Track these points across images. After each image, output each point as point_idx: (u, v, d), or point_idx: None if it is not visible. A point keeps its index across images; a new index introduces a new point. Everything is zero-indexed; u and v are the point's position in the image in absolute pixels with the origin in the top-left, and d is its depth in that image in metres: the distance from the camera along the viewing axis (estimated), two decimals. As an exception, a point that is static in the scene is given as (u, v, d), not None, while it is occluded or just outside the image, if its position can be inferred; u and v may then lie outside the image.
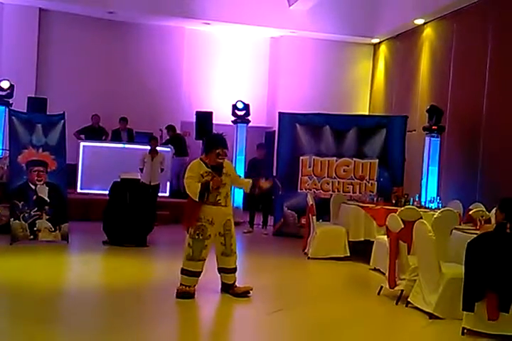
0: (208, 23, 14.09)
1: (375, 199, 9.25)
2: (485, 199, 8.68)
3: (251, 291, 6.11)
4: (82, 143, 12.26)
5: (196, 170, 5.94)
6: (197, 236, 5.92)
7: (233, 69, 14.97)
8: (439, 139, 10.75)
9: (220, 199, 5.98)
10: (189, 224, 5.94)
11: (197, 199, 5.86)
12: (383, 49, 14.54)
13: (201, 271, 5.99)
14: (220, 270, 6.15)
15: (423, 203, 8.96)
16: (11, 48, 13.16)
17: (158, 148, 11.16)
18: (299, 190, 10.55)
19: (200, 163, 5.99)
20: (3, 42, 13.21)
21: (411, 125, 11.26)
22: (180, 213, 11.28)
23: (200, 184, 5.84)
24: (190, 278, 5.95)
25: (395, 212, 6.69)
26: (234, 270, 6.15)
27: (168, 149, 12.41)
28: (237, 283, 6.17)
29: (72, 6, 13.16)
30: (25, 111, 10.81)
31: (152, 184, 10.66)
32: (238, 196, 11.81)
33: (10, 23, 13.21)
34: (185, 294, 5.90)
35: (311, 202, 8.78)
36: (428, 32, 12.37)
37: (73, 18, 13.61)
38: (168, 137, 13.27)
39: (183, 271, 5.98)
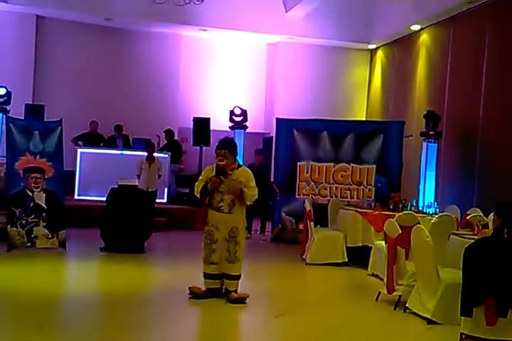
0: (205, 30, 14.12)
1: (372, 204, 9.25)
2: (482, 204, 8.69)
3: (247, 298, 6.09)
4: (79, 150, 12.25)
5: (206, 173, 6.16)
6: (206, 241, 6.13)
7: (230, 75, 15.00)
8: (436, 144, 10.76)
9: (222, 206, 6.01)
10: (197, 226, 6.21)
11: (198, 197, 6.09)
12: (380, 55, 14.58)
13: (215, 274, 6.09)
14: (223, 275, 6.16)
15: (421, 208, 8.96)
16: (8, 55, 13.15)
17: (155, 154, 11.15)
18: (296, 196, 10.55)
19: (212, 168, 6.17)
20: (0, 49, 13.21)
21: (408, 130, 11.28)
22: (178, 219, 11.43)
23: (202, 184, 6.08)
24: (205, 279, 6.15)
25: (393, 218, 6.70)
26: (237, 277, 6.15)
27: (166, 155, 12.41)
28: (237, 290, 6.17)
29: (69, 13, 13.19)
30: (22, 118, 10.80)
31: (149, 190, 10.64)
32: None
33: (7, 30, 13.22)
34: (192, 293, 6.12)
35: (308, 208, 8.77)
36: (424, 38, 12.41)
37: (70, 25, 13.65)
38: (166, 142, 13.28)
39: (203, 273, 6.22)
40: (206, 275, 6.16)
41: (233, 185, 5.96)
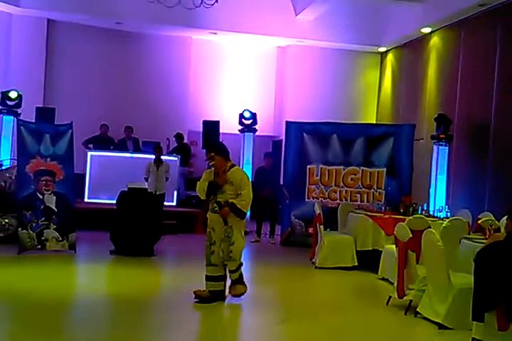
0: (215, 33, 14.14)
1: (382, 208, 9.20)
2: (494, 208, 8.62)
3: (214, 302, 6.08)
4: (89, 153, 12.28)
5: (206, 177, 6.27)
6: (206, 243, 6.24)
7: (240, 79, 15.00)
8: (447, 148, 10.71)
9: (215, 207, 6.11)
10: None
11: (204, 197, 6.21)
12: (390, 58, 14.54)
13: (215, 276, 6.13)
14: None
15: (431, 212, 8.92)
16: (19, 59, 13.24)
17: (163, 157, 11.15)
18: (306, 199, 10.52)
19: (211, 171, 6.28)
20: (11, 52, 13.29)
21: (418, 133, 11.24)
22: (188, 222, 11.44)
23: (207, 182, 6.17)
24: (206, 282, 6.17)
25: (403, 221, 6.67)
26: (235, 271, 6.18)
27: (175, 158, 12.43)
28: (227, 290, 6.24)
29: (80, 17, 13.24)
30: (33, 121, 10.84)
31: (158, 193, 10.63)
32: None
33: (19, 33, 13.30)
34: (197, 297, 6.11)
35: (318, 211, 8.75)
36: (435, 40, 12.36)
37: (81, 29, 13.70)
38: (176, 145, 13.31)
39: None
40: (207, 278, 6.21)
41: (224, 208, 6.06)
